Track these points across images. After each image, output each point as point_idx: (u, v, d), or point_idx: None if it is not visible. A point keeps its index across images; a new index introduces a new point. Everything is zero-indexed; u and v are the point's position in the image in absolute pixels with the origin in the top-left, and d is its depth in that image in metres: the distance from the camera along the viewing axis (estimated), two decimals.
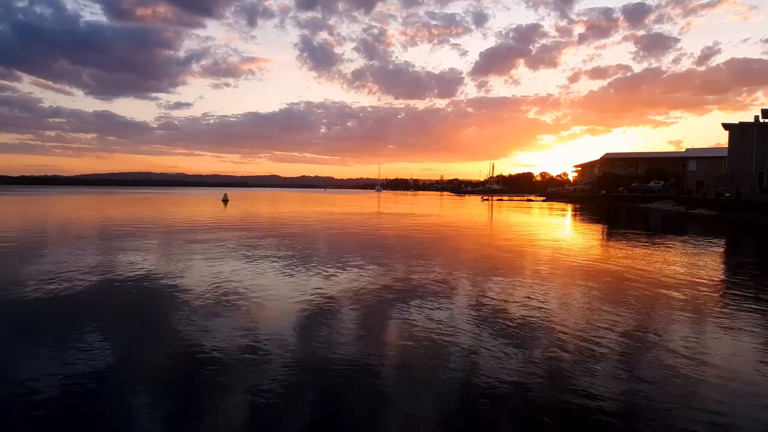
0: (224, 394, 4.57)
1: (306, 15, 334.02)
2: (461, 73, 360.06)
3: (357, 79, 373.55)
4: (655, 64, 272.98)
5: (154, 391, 4.62)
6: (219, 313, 7.24)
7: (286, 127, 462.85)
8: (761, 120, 45.09)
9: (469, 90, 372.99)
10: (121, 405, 4.33)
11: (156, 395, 4.53)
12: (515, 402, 4.45)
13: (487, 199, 79.67)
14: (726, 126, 46.94)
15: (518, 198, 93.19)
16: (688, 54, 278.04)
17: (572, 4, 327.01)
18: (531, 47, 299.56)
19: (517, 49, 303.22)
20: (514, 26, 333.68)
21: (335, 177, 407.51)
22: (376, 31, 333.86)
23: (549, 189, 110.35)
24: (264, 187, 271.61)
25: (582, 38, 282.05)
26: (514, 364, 5.34)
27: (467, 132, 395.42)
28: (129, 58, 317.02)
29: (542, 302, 8.17)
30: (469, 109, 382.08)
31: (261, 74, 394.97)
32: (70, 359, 5.31)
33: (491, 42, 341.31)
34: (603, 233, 22.62)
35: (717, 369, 5.31)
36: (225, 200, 51.96)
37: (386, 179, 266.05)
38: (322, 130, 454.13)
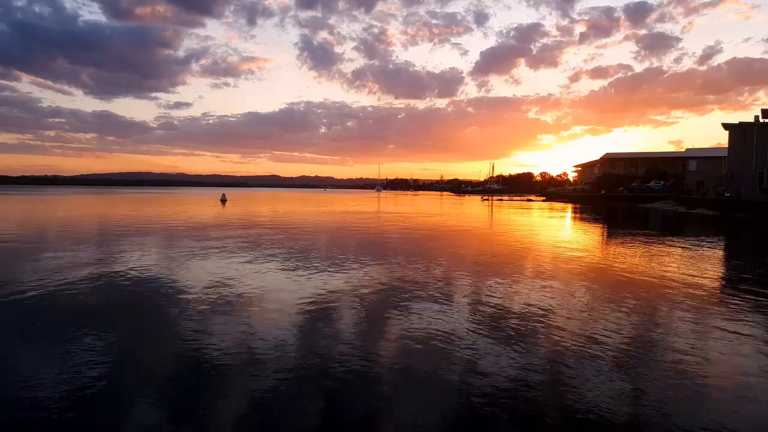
0: (225, 393, 4.49)
1: (306, 14, 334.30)
2: (462, 72, 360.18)
3: (357, 78, 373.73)
4: (656, 64, 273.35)
5: (155, 390, 4.55)
6: (219, 313, 7.16)
7: (286, 127, 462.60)
8: (761, 120, 45.03)
9: (469, 90, 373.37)
10: (123, 404, 4.25)
11: (157, 395, 4.46)
12: (516, 402, 4.36)
13: (487, 199, 79.64)
14: (726, 126, 46.87)
15: (518, 198, 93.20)
16: (690, 53, 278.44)
17: (573, 3, 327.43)
18: (532, 47, 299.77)
19: (518, 48, 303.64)
20: (515, 25, 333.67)
21: (335, 177, 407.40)
22: (376, 30, 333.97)
23: (549, 189, 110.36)
24: (264, 187, 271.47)
25: (583, 37, 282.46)
26: (518, 364, 5.26)
27: (467, 132, 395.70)
28: (128, 58, 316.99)
29: (545, 302, 8.08)
30: (470, 109, 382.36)
31: (261, 74, 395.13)
32: (73, 357, 5.24)
33: (492, 41, 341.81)
34: (604, 233, 22.54)
35: (719, 369, 5.23)
36: (223, 200, 51.92)
37: (386, 179, 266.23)
38: (322, 130, 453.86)
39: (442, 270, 11.19)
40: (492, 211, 41.65)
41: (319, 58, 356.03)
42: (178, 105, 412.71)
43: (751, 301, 8.39)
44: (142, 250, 13.76)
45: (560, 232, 22.65)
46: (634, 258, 13.43)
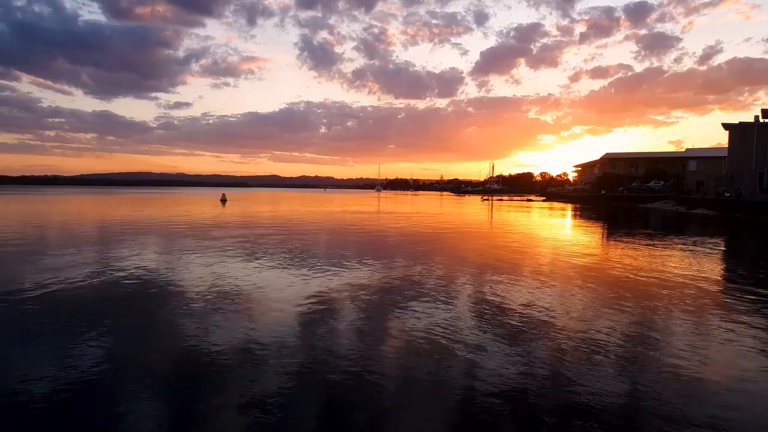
0: (226, 394, 4.51)
1: (306, 14, 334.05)
2: (462, 72, 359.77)
3: (357, 78, 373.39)
4: (656, 64, 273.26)
5: (155, 391, 4.57)
6: (221, 314, 7.18)
7: (286, 127, 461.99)
8: (761, 120, 45.05)
9: (469, 90, 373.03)
10: (123, 405, 4.26)
11: (157, 394, 4.48)
12: (516, 403, 4.38)
13: (487, 199, 79.68)
14: (726, 126, 46.90)
15: (518, 198, 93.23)
16: (690, 53, 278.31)
17: (574, 3, 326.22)
18: (532, 46, 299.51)
19: (518, 48, 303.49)
20: (515, 25, 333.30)
21: (335, 177, 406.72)
22: (376, 30, 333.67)
23: (549, 189, 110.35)
24: (264, 187, 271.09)
25: (583, 37, 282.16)
26: (519, 363, 5.28)
27: (467, 132, 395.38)
28: (128, 58, 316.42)
29: (547, 301, 8.10)
30: (470, 109, 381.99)
31: (261, 74, 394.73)
32: (74, 357, 5.26)
33: (492, 41, 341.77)
34: (604, 233, 22.56)
35: (719, 369, 5.25)
36: (223, 200, 51.94)
37: (386, 179, 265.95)
38: (322, 130, 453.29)
39: (444, 270, 11.20)
40: (492, 211, 41.66)
41: (319, 58, 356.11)
42: (178, 105, 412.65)
43: (750, 301, 8.41)
44: (144, 250, 13.78)
45: (561, 232, 22.67)
46: (634, 258, 13.45)
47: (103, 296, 8.26)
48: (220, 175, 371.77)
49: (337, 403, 4.39)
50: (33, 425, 3.95)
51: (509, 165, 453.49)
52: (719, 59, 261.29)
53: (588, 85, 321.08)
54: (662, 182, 60.87)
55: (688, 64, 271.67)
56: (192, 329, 6.39)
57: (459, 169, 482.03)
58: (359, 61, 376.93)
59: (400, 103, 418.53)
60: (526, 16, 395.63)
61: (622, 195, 60.55)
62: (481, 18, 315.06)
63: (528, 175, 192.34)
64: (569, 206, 55.12)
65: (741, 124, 45.89)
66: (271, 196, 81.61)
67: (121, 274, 10.11)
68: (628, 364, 5.34)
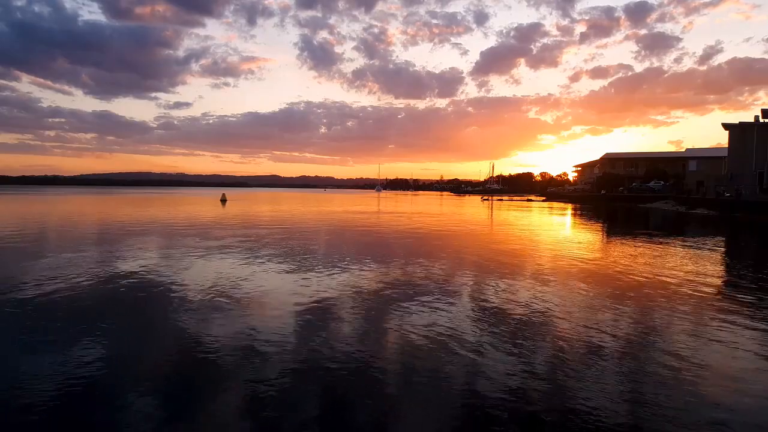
0: (227, 394, 4.54)
1: (306, 14, 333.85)
2: (462, 72, 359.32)
3: (357, 78, 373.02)
4: (656, 64, 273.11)
5: (156, 389, 4.60)
6: (223, 314, 7.21)
7: (286, 127, 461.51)
8: (761, 120, 45.07)
9: (469, 90, 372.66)
10: (124, 404, 4.29)
11: (157, 395, 4.51)
12: (517, 403, 4.41)
13: (487, 199, 79.70)
14: (726, 126, 46.91)
15: (518, 198, 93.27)
16: (690, 53, 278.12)
17: (574, 3, 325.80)
18: (532, 46, 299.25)
19: (518, 48, 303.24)
20: (515, 25, 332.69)
21: (335, 177, 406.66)
22: (376, 30, 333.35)
23: (549, 189, 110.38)
24: (264, 187, 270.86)
25: (583, 37, 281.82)
26: (519, 364, 5.31)
27: (467, 132, 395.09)
28: (128, 58, 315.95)
29: (548, 302, 8.13)
30: (470, 109, 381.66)
31: (261, 74, 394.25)
32: (76, 356, 5.29)
33: (492, 41, 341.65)
34: (604, 234, 22.59)
35: (719, 370, 5.28)
36: (223, 200, 51.97)
37: (386, 179, 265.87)
38: (322, 130, 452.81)
39: (445, 271, 11.23)
40: (492, 212, 41.69)
41: (319, 58, 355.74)
42: (178, 105, 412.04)
43: (750, 302, 8.44)
44: (146, 250, 13.81)
45: (561, 232, 22.69)
46: (634, 258, 13.47)
47: (106, 296, 8.28)
48: (220, 175, 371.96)
49: (338, 402, 4.42)
50: (34, 425, 3.98)
51: (509, 165, 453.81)
52: (719, 59, 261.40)
53: (588, 85, 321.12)
54: (662, 182, 60.91)
55: (688, 64, 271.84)
56: (195, 329, 6.42)
57: (459, 169, 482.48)
58: (359, 61, 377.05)
59: (400, 103, 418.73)
60: (526, 16, 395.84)
61: (622, 195, 60.59)
62: (481, 18, 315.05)
63: (528, 175, 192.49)
64: (569, 206, 55.14)
65: (741, 124, 45.91)
66: (271, 196, 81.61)
67: (124, 273, 10.14)
68: (627, 364, 5.36)
